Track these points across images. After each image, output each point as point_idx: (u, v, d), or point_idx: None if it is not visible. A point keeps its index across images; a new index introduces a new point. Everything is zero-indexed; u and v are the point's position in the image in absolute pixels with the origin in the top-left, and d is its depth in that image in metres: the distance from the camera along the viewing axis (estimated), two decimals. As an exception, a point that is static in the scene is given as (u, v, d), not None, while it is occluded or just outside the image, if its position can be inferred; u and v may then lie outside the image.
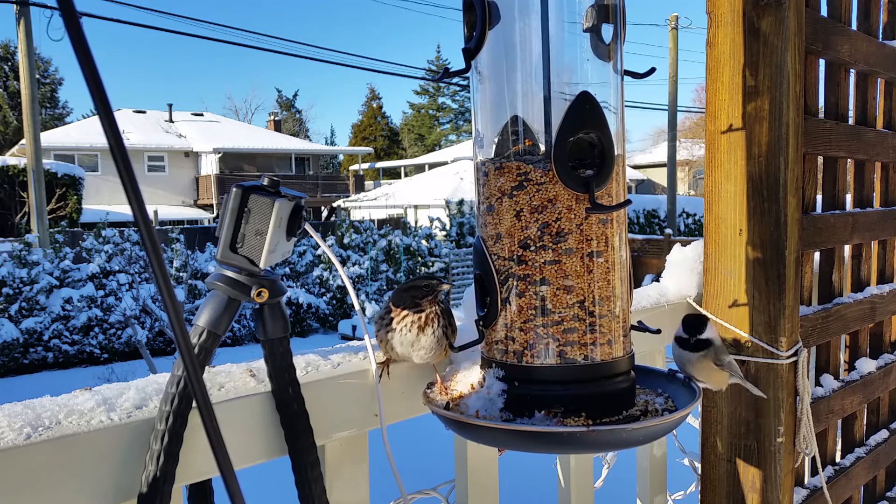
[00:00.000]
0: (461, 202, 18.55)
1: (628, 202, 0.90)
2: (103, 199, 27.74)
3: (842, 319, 1.78)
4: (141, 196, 0.47)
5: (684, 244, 1.66)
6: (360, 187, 35.20)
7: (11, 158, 22.86)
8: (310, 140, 50.67)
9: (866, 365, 1.95)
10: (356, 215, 27.90)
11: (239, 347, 13.02)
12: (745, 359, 1.45)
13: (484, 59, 0.91)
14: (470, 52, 0.91)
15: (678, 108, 23.78)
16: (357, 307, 0.94)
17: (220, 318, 0.85)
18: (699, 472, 1.57)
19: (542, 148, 0.88)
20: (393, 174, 46.83)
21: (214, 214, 31.30)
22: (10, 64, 38.85)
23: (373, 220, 20.87)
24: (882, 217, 1.99)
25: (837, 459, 1.92)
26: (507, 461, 1.32)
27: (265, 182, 0.86)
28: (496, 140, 0.91)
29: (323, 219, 32.48)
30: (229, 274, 0.86)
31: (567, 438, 0.83)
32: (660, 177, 38.20)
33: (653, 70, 0.97)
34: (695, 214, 25.40)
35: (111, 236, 13.20)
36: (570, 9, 0.89)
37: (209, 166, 33.02)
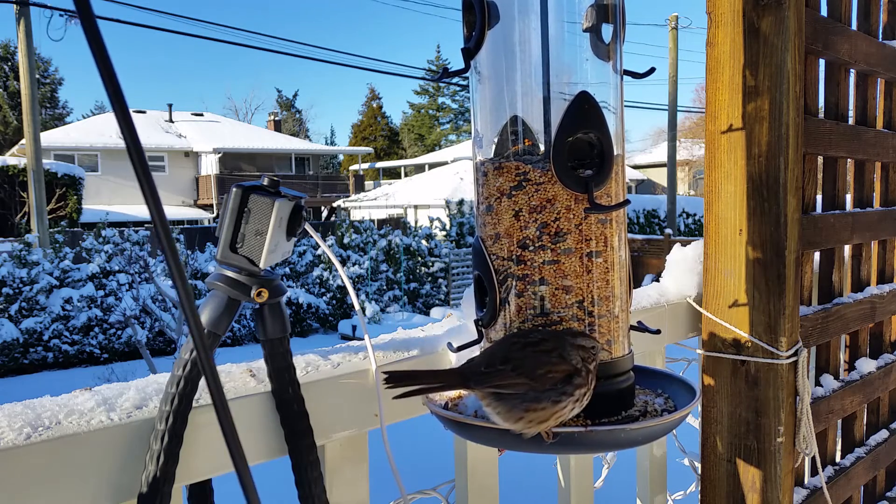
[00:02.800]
0: (461, 202, 18.55)
1: (627, 202, 0.90)
2: (103, 199, 27.71)
3: (842, 319, 1.78)
4: (155, 188, 0.46)
5: (684, 244, 1.66)
6: (360, 187, 35.21)
7: (11, 158, 22.88)
8: (310, 140, 50.68)
9: (866, 365, 1.95)
10: (356, 215, 27.91)
11: (239, 347, 13.02)
12: (745, 359, 1.45)
13: (483, 59, 0.91)
14: (469, 52, 0.90)
15: (678, 108, 23.79)
16: (357, 307, 0.94)
17: (220, 317, 0.85)
18: (699, 472, 1.57)
19: (542, 148, 0.88)
20: (393, 174, 46.82)
21: (214, 214, 31.30)
22: (10, 64, 38.87)
23: (373, 220, 20.88)
24: (882, 217, 1.99)
25: (837, 459, 1.92)
26: (507, 461, 1.32)
27: (265, 182, 0.86)
28: (495, 140, 0.91)
29: (323, 219, 32.49)
30: (229, 274, 0.86)
31: (565, 438, 0.83)
32: (660, 177, 38.19)
33: (652, 70, 0.97)
34: (695, 214, 25.40)
35: (111, 236, 13.22)
36: (569, 8, 0.89)
37: (209, 166, 33.02)
